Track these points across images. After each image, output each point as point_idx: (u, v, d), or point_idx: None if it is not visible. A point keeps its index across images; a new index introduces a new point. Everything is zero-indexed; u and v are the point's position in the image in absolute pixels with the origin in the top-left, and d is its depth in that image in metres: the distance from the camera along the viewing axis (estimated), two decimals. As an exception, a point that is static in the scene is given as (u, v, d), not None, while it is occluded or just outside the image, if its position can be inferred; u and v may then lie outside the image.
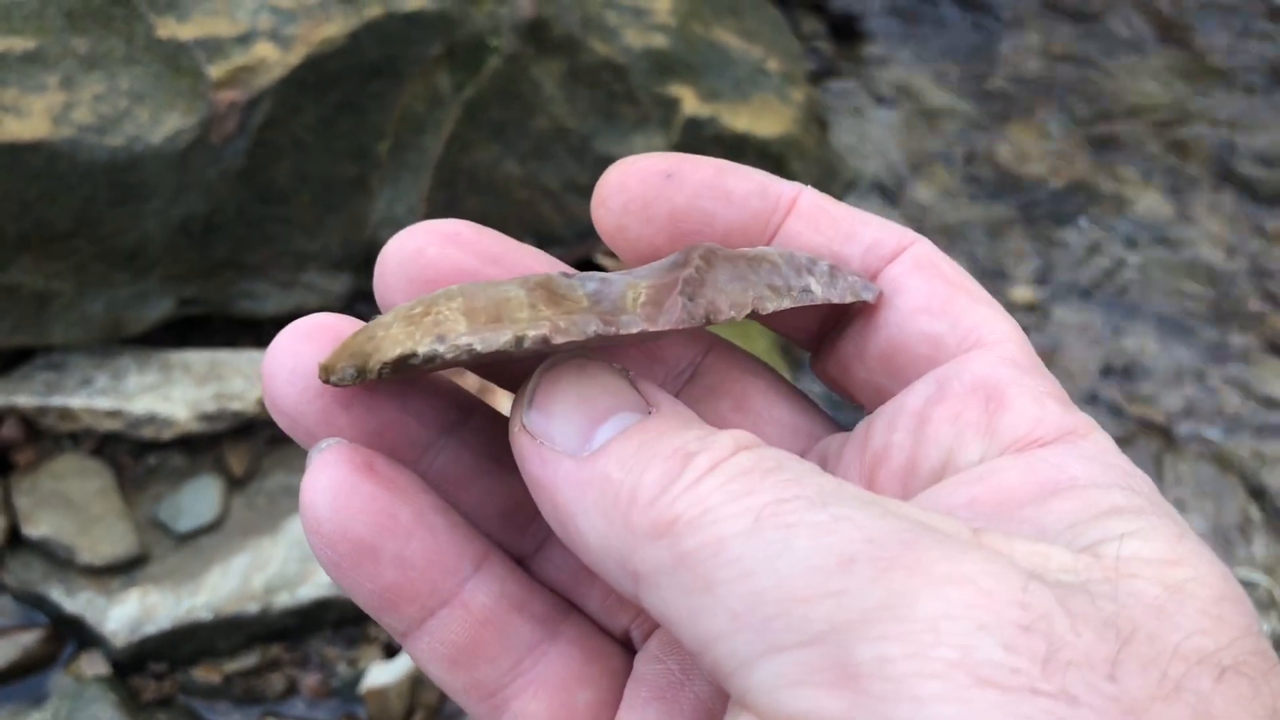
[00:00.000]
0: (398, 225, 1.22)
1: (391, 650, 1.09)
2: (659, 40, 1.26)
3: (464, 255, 0.30)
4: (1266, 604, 1.09)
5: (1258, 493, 1.29)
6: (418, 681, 1.05)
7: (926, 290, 0.31)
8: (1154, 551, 0.24)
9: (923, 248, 0.32)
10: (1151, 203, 1.59)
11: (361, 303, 1.24)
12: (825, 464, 0.31)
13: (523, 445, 0.27)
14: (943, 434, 0.29)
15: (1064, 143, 1.65)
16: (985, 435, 0.28)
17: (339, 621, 1.09)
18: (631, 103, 1.25)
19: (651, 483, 0.25)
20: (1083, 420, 0.29)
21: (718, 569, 0.23)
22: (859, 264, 0.32)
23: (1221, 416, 1.37)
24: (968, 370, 0.30)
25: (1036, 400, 0.29)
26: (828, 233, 0.32)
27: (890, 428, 0.30)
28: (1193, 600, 0.23)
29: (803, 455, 0.32)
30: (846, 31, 1.70)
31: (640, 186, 0.31)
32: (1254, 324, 1.46)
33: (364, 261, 1.22)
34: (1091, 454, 0.27)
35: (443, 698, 1.05)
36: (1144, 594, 0.23)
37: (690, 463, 0.25)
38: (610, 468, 0.26)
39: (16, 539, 1.09)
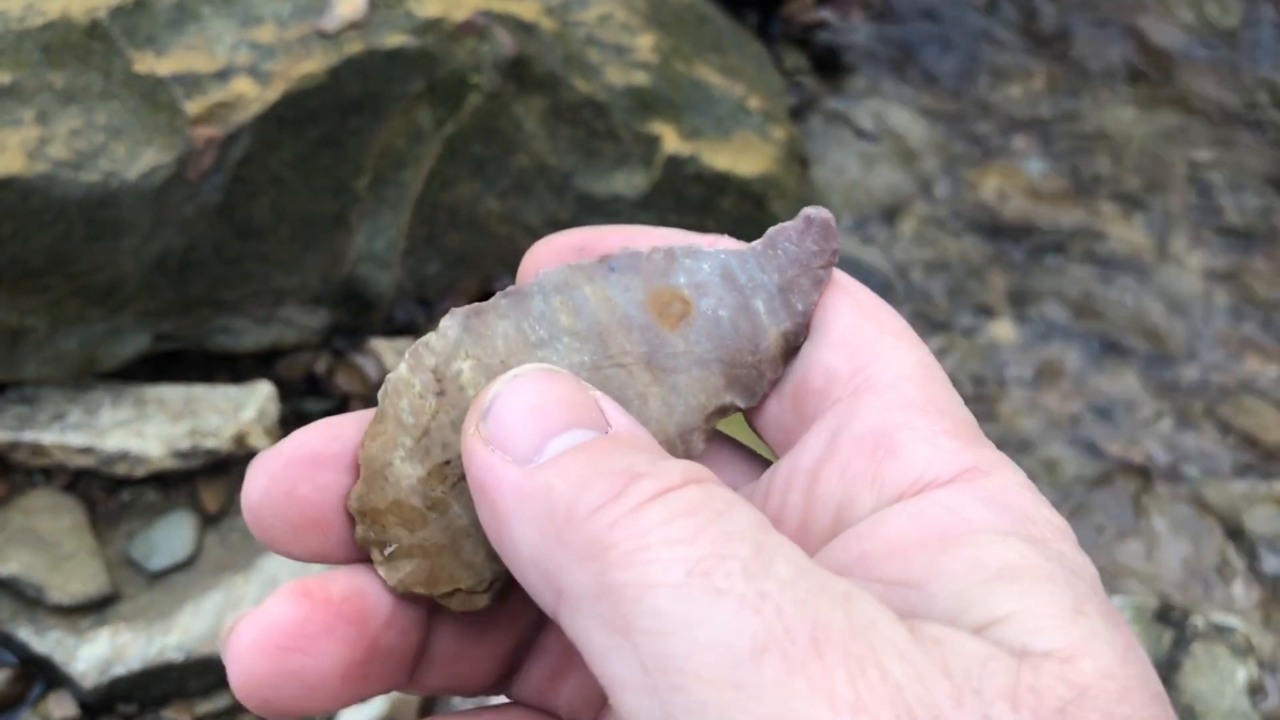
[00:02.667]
0: (377, 261, 1.21)
1: (364, 692, 1.07)
2: (640, 78, 1.26)
3: (336, 477, 0.29)
4: (1244, 650, 1.09)
5: (1236, 534, 1.29)
6: (390, 725, 1.04)
7: (831, 319, 0.30)
8: (1050, 642, 0.23)
9: (838, 276, 0.31)
10: (1131, 239, 1.59)
11: (339, 338, 1.23)
12: None
13: (473, 450, 0.26)
14: (831, 490, 0.28)
15: (1044, 178, 1.66)
16: (874, 485, 0.28)
17: (312, 663, 1.08)
18: (612, 140, 1.25)
19: (591, 497, 0.24)
20: (985, 456, 0.28)
21: (639, 616, 0.23)
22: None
23: (1200, 457, 1.37)
24: (857, 420, 0.29)
25: (928, 441, 0.28)
26: None
27: (786, 487, 0.29)
28: (1099, 700, 0.22)
29: None
30: (830, 66, 1.71)
31: (556, 264, 0.31)
32: (1233, 363, 1.46)
33: (343, 297, 1.22)
34: (989, 494, 0.26)
35: (416, 741, 1.04)
36: (1049, 699, 0.22)
37: (635, 484, 0.24)
38: (554, 479, 0.25)
39: (-15, 577, 1.08)
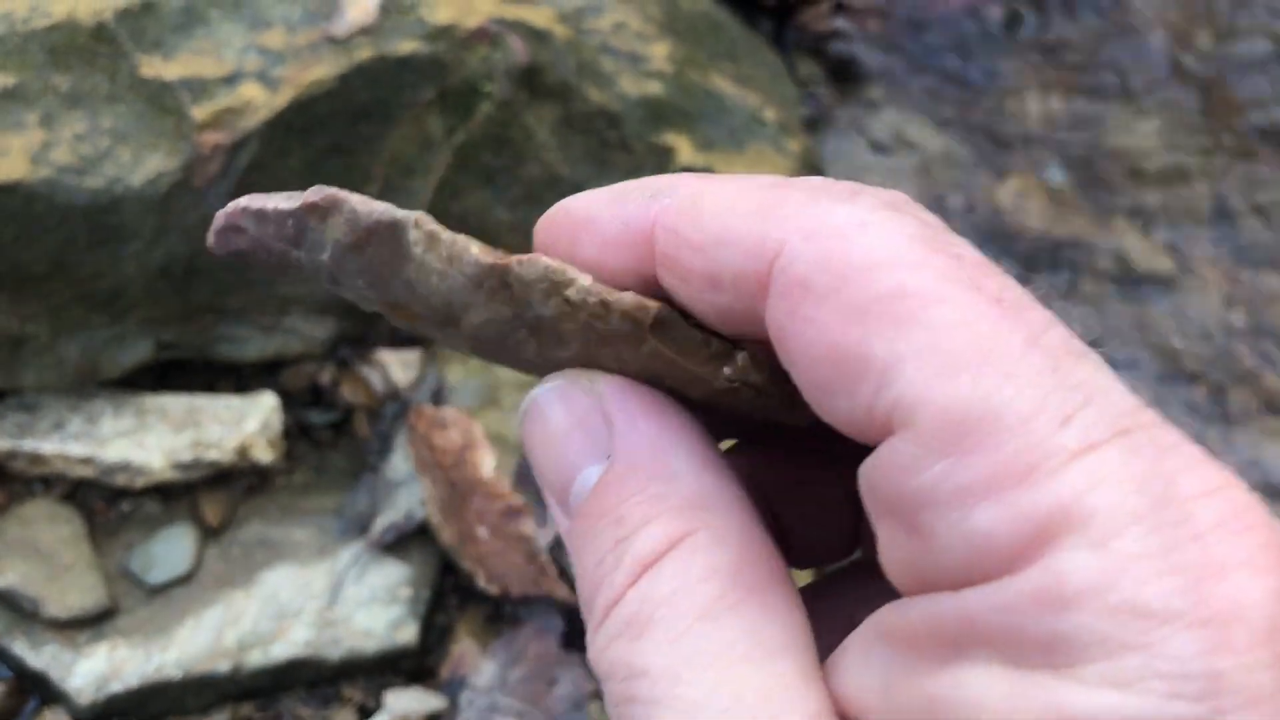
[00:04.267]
0: (384, 270, 1.19)
1: (366, 712, 1.05)
2: (655, 88, 1.24)
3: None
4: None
5: (1253, 560, 1.27)
6: (392, 746, 1.02)
7: (807, 339, 0.25)
8: None
9: (797, 250, 0.24)
10: (1149, 256, 1.57)
11: (345, 348, 1.21)
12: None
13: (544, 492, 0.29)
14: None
15: (1062, 193, 1.64)
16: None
17: (313, 681, 1.06)
18: (625, 151, 1.23)
19: (600, 598, 0.25)
20: (1067, 490, 0.20)
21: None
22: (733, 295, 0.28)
23: (1217, 479, 1.34)
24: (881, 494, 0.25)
25: (960, 520, 0.21)
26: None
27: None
28: None
29: None
30: (845, 75, 1.69)
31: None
32: (1251, 383, 1.44)
33: (349, 306, 1.20)
34: (1030, 595, 0.21)
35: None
36: None
37: (618, 567, 0.25)
38: (576, 540, 0.27)
39: (-19, 589, 1.06)
